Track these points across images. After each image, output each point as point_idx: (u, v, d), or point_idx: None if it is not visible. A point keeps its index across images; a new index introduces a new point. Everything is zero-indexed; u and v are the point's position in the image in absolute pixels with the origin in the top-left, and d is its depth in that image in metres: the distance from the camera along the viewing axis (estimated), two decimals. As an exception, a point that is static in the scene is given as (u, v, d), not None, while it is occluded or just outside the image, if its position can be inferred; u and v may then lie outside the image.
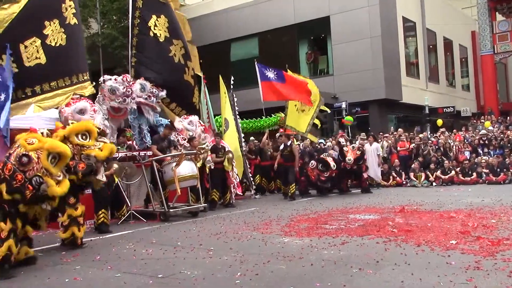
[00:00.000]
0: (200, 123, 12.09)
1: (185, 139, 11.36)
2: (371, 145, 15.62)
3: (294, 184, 13.50)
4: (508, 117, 24.79)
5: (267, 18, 25.72)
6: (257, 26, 26.14)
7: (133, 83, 10.50)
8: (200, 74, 13.04)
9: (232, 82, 13.89)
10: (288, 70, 15.76)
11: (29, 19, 9.13)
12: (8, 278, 5.48)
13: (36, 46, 9.18)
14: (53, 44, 9.38)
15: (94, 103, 10.07)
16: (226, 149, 12.09)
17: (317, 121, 17.20)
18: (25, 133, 6.18)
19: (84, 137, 6.94)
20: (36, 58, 9.19)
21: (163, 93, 11.09)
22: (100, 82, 10.33)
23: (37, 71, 9.21)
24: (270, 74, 15.16)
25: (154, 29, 11.43)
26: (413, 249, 6.16)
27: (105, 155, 7.00)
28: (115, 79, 10.30)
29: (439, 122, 23.61)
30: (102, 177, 7.33)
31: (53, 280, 5.44)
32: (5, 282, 5.39)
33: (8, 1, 9.33)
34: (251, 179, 14.28)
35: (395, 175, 16.33)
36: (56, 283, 5.32)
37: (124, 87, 10.25)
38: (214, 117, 13.61)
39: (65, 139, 6.73)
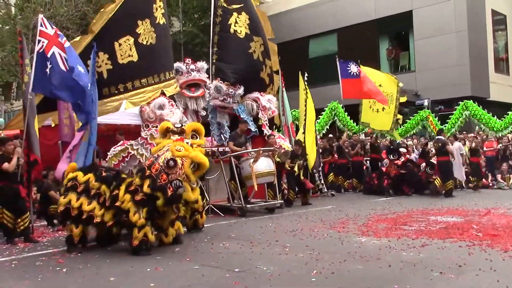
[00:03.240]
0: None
1: (266, 119, 11.70)
2: (452, 145, 14.96)
3: (451, 180, 13.35)
4: None
5: (346, 13, 25.29)
6: (336, 22, 25.76)
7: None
8: (279, 70, 13.05)
9: (306, 78, 13.74)
10: (360, 65, 15.38)
11: (124, 18, 9.60)
12: (149, 255, 6.28)
13: (129, 44, 9.61)
14: (144, 42, 9.78)
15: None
16: (302, 157, 12.06)
17: (399, 116, 16.89)
18: (174, 141, 6.72)
19: None
20: (129, 55, 9.63)
21: (240, 91, 11.24)
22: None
23: (129, 68, 9.65)
24: (354, 69, 14.83)
25: (235, 26, 11.60)
26: (499, 254, 5.85)
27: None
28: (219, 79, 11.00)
29: None
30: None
31: (136, 268, 5.68)
32: (92, 268, 5.72)
33: (107, 1, 9.85)
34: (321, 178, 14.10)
35: (481, 177, 15.56)
36: (138, 271, 5.56)
37: (226, 87, 10.98)
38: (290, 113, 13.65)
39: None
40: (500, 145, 16.34)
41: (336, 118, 18.56)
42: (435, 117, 19.14)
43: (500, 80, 24.34)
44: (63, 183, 7.02)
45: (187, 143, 6.63)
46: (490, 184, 15.47)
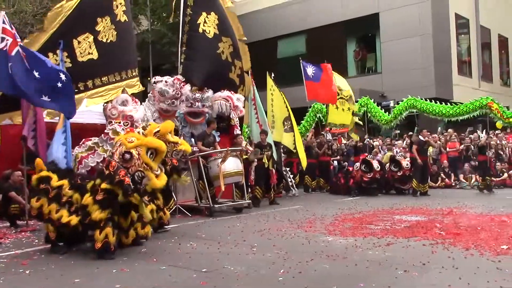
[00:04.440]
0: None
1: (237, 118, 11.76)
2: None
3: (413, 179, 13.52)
4: None
5: (314, 15, 25.52)
6: (304, 24, 25.97)
7: (183, 85, 10.64)
8: (249, 71, 13.06)
9: (272, 78, 13.77)
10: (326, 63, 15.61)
11: (83, 15, 9.43)
12: (112, 259, 6.04)
13: (89, 42, 9.46)
14: (104, 40, 9.64)
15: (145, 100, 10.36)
16: (270, 147, 12.08)
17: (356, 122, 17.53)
18: (124, 134, 6.53)
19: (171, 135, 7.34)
20: (89, 53, 9.48)
21: (209, 94, 11.14)
22: (153, 83, 10.56)
23: (89, 66, 9.49)
24: (310, 72, 15.11)
25: (204, 25, 11.54)
26: (461, 252, 6.00)
27: (189, 151, 7.81)
28: (165, 82, 10.48)
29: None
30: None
31: (101, 270, 5.59)
32: (56, 269, 5.60)
33: None
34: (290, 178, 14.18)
35: (444, 177, 15.92)
36: (104, 272, 5.47)
37: (174, 90, 10.47)
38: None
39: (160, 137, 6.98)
40: (463, 145, 16.77)
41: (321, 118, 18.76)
42: None
43: (463, 82, 24.98)
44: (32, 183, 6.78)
45: (139, 132, 6.42)
46: (453, 184, 15.83)
